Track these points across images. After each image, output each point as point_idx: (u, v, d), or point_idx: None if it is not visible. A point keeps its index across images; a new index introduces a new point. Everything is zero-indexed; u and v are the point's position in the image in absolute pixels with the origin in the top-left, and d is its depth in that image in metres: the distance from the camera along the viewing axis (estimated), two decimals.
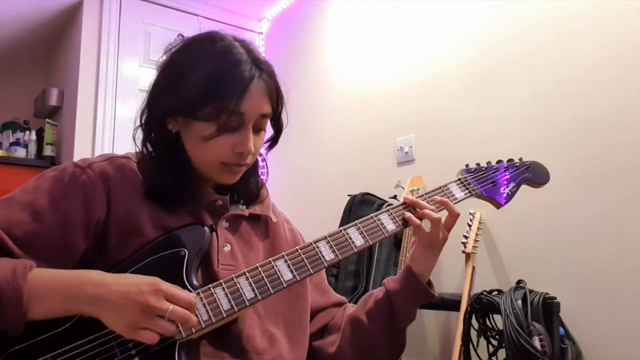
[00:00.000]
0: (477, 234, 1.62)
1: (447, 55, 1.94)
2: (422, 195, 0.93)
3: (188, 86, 0.77)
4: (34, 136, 2.87)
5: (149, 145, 0.84)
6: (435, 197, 0.92)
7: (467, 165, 1.02)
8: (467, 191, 0.96)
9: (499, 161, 1.04)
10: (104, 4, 2.68)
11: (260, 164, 0.95)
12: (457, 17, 1.93)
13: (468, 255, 1.61)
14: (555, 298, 1.39)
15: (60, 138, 2.85)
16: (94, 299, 0.67)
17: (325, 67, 2.58)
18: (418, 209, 0.89)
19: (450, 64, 1.93)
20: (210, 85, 0.76)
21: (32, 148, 2.84)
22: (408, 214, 0.89)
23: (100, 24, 2.67)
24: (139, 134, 0.84)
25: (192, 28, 2.88)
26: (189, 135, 0.81)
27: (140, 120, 0.84)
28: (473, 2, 1.87)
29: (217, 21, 2.99)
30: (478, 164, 1.03)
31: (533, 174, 1.03)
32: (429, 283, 0.92)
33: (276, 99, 0.83)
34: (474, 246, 1.61)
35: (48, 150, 2.82)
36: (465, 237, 1.63)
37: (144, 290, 0.67)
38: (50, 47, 3.16)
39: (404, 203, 0.91)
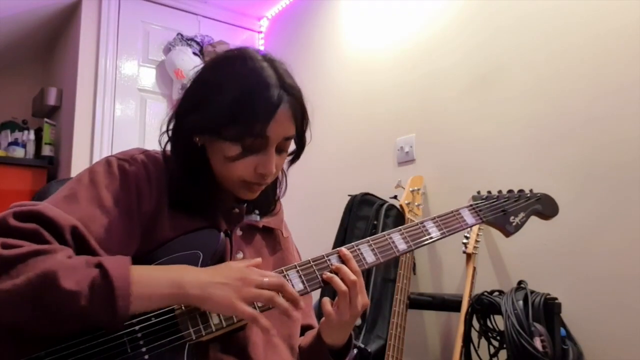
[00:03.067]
0: (478, 235, 1.62)
1: (448, 55, 1.94)
2: (434, 218, 0.95)
3: (216, 107, 0.78)
4: (32, 136, 2.86)
5: (175, 153, 0.85)
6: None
7: (478, 192, 1.06)
8: (478, 217, 0.99)
9: (510, 191, 1.08)
10: (102, 2, 2.68)
11: (280, 178, 0.96)
12: (456, 15, 1.92)
13: (469, 256, 1.60)
14: (556, 299, 1.39)
15: (58, 138, 2.84)
16: (199, 284, 0.70)
17: (325, 67, 2.57)
18: (325, 272, 0.82)
19: (451, 63, 1.92)
20: (238, 107, 0.77)
21: (31, 148, 2.83)
22: (331, 276, 0.82)
23: (99, 23, 2.67)
24: (165, 139, 0.86)
25: (191, 27, 2.92)
26: (214, 151, 0.82)
27: (167, 127, 0.85)
28: (474, 1, 1.86)
29: (216, 20, 2.99)
30: (489, 192, 1.06)
31: (543, 206, 1.08)
32: (347, 344, 0.90)
33: (301, 120, 0.84)
34: (474, 247, 1.60)
35: (46, 150, 2.81)
36: (466, 237, 1.62)
37: (235, 267, 0.74)
38: (48, 46, 3.15)
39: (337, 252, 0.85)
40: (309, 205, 2.52)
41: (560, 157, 1.53)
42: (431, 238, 0.92)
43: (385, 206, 1.91)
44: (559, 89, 1.57)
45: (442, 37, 1.97)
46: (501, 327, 1.40)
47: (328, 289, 0.82)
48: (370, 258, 0.86)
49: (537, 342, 1.27)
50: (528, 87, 1.66)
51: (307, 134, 0.87)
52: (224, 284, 0.70)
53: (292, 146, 0.89)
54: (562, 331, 1.37)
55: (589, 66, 1.50)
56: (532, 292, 1.39)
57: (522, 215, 1.04)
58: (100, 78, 2.62)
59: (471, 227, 0.98)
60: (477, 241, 1.61)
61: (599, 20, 1.49)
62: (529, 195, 1.08)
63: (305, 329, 0.97)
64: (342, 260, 0.83)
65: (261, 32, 3.13)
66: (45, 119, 2.86)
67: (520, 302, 1.35)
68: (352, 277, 0.81)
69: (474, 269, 1.59)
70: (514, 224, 1.03)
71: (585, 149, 1.49)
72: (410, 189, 1.84)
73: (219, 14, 2.99)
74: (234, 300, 0.70)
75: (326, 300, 0.85)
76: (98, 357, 0.67)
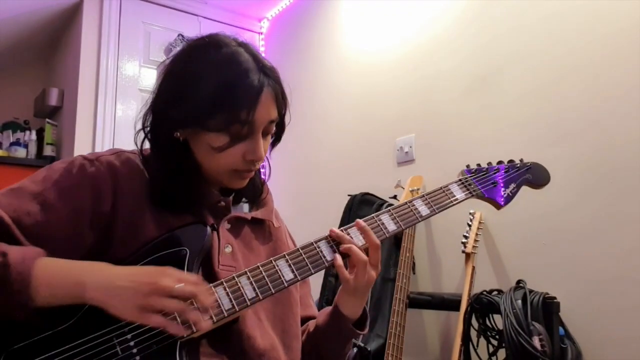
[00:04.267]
0: (477, 234, 1.63)
1: (448, 55, 1.95)
2: (423, 196, 0.92)
3: (197, 98, 0.77)
4: (34, 136, 2.87)
5: (155, 151, 0.84)
6: (354, 235, 0.85)
7: (468, 166, 1.03)
8: (467, 192, 0.96)
9: (500, 162, 1.04)
10: (104, 4, 2.68)
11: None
12: (458, 17, 1.93)
13: (468, 255, 1.61)
14: (555, 298, 1.39)
15: (60, 138, 2.85)
16: (102, 284, 0.68)
17: (325, 67, 2.58)
18: (343, 244, 0.83)
19: (451, 64, 1.93)
20: (221, 96, 0.76)
21: (32, 148, 2.84)
22: (337, 255, 0.82)
23: (101, 24, 2.67)
24: (141, 136, 0.84)
25: (192, 28, 2.93)
26: (199, 144, 0.81)
27: (143, 124, 0.84)
28: (473, 2, 1.87)
29: (217, 21, 3.00)
30: (479, 165, 1.03)
31: (533, 175, 1.04)
32: (363, 316, 0.90)
33: (282, 101, 0.83)
34: (474, 246, 1.61)
35: (48, 150, 2.81)
36: (465, 237, 1.63)
37: (152, 272, 0.69)
38: (50, 47, 3.16)
39: (329, 236, 0.84)
40: (309, 205, 2.53)
41: (559, 158, 1.54)
42: (421, 216, 0.90)
43: (384, 206, 1.92)
44: (559, 91, 1.58)
45: (442, 38, 1.98)
46: (500, 326, 1.40)
47: (330, 274, 0.81)
48: (360, 242, 0.84)
49: (536, 341, 1.27)
50: (528, 89, 1.66)
51: (287, 116, 0.87)
52: (127, 288, 0.67)
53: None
54: (561, 330, 1.38)
55: (588, 68, 1.51)
56: (530, 291, 1.40)
57: (512, 186, 1.01)
58: (101, 78, 2.63)
59: (461, 202, 0.94)
60: (476, 240, 1.62)
61: (599, 23, 1.49)
62: (518, 165, 1.04)
63: (306, 320, 0.96)
64: (335, 244, 0.83)
65: (261, 33, 3.14)
66: (47, 119, 2.87)
67: (519, 302, 1.35)
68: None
69: (473, 268, 1.60)
70: (504, 195, 0.99)
71: (584, 150, 1.49)
72: (410, 189, 1.85)
73: (219, 14, 3.00)
74: (136, 310, 0.66)
75: (341, 264, 0.82)
76: None
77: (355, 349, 1.60)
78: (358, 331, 0.88)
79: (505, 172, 1.02)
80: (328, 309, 0.92)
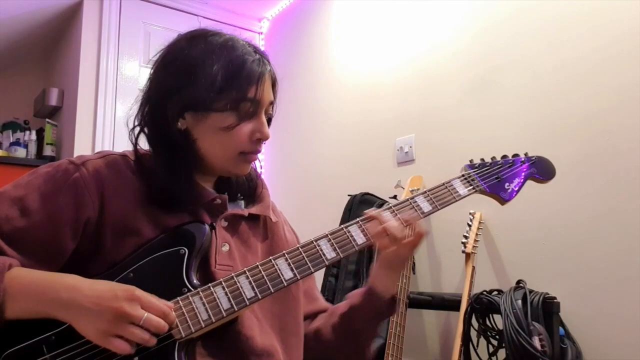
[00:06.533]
0: (477, 234, 1.63)
1: (448, 55, 1.95)
2: (425, 192, 0.91)
3: (204, 79, 0.78)
4: (34, 136, 2.87)
5: (154, 144, 0.84)
6: (403, 214, 0.86)
7: (471, 161, 1.01)
8: (471, 187, 0.94)
9: (504, 156, 1.02)
10: (104, 4, 2.69)
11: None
12: (457, 18, 1.93)
13: (468, 255, 1.61)
14: (555, 298, 1.39)
15: (60, 138, 2.85)
16: (67, 303, 0.67)
17: (324, 67, 2.58)
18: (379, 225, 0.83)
19: (451, 64, 1.93)
20: (230, 75, 0.78)
21: (32, 148, 2.84)
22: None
23: (100, 24, 2.68)
24: (137, 133, 0.84)
25: (192, 28, 2.91)
26: (204, 128, 0.81)
27: (141, 122, 0.83)
28: (473, 2, 1.87)
29: (217, 21, 3.00)
30: (482, 160, 1.01)
31: (538, 169, 1.01)
32: (393, 297, 0.90)
33: (276, 88, 0.87)
34: (474, 246, 1.61)
35: (48, 150, 2.81)
36: (465, 237, 1.63)
37: (119, 295, 0.66)
38: (50, 47, 3.16)
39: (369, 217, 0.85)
40: (309, 205, 2.53)
41: (559, 157, 1.53)
42: (423, 213, 0.89)
43: (384, 206, 1.92)
44: (559, 91, 1.58)
45: (443, 38, 1.98)
46: (500, 326, 1.40)
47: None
48: (360, 239, 0.84)
49: (536, 341, 1.27)
50: (527, 87, 1.66)
51: (275, 106, 0.89)
52: (91, 311, 0.65)
53: None
54: (561, 330, 1.38)
55: (589, 69, 1.51)
56: (530, 291, 1.40)
57: (517, 181, 0.98)
58: (101, 79, 2.63)
59: (464, 197, 0.92)
60: (476, 240, 1.62)
61: (600, 23, 1.49)
62: (523, 159, 1.02)
63: (314, 315, 0.96)
64: (335, 242, 0.83)
65: (261, 33, 3.14)
66: (47, 119, 2.86)
67: (519, 302, 1.35)
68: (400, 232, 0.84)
69: (473, 268, 1.60)
70: (509, 190, 0.97)
71: (584, 151, 1.49)
72: (410, 189, 1.85)
73: (219, 14, 3.00)
74: (98, 334, 0.66)
75: (380, 233, 0.83)
76: None
77: None
78: (393, 308, 0.90)
79: (509, 166, 0.99)
80: (360, 290, 0.92)
